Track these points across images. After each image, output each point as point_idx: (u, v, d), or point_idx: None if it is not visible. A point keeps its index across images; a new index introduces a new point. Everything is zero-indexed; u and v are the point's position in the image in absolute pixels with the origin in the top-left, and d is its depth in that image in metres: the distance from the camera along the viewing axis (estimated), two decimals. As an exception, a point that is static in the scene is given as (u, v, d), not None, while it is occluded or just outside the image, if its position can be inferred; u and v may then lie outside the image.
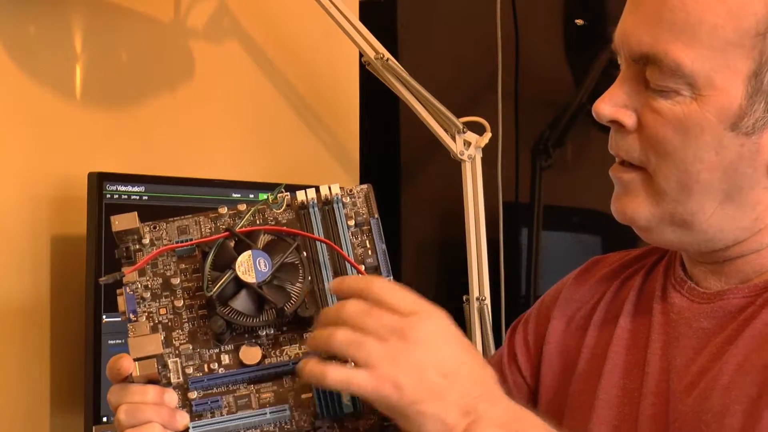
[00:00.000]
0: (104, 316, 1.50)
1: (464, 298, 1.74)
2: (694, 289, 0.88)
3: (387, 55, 1.72)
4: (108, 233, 1.49)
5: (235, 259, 0.81)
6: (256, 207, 0.85)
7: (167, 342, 0.82)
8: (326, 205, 0.86)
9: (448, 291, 1.99)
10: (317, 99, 2.06)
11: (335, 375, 0.74)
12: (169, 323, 0.82)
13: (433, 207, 2.11)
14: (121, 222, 0.84)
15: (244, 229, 0.83)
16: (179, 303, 0.82)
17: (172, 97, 1.80)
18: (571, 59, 1.91)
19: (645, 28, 0.81)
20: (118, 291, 0.83)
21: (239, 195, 1.67)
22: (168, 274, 0.83)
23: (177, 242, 0.84)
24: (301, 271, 0.82)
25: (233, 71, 1.91)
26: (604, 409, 0.88)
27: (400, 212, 2.15)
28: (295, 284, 0.82)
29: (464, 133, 1.73)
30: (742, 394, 0.79)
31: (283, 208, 0.86)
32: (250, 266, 0.80)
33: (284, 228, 0.84)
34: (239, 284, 0.81)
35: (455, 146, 1.73)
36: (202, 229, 0.85)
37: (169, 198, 1.58)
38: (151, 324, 0.82)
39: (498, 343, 1.75)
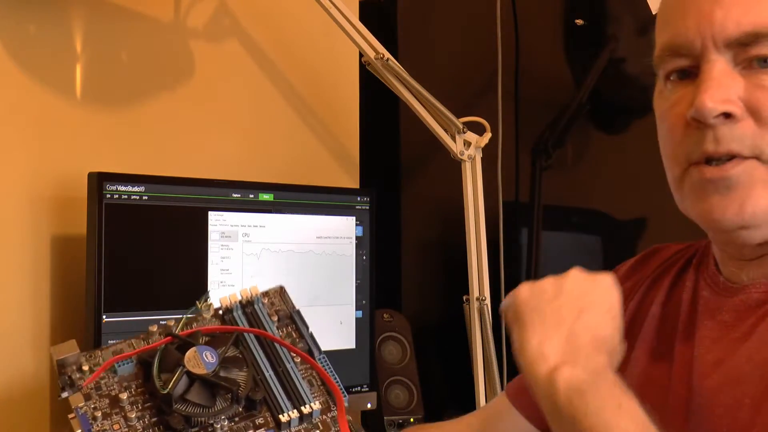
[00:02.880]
0: (104, 316, 1.50)
1: (464, 298, 1.74)
2: (720, 283, 0.88)
3: (387, 55, 1.72)
4: (108, 233, 1.50)
5: (182, 358, 0.86)
6: (186, 315, 0.92)
7: None
8: (248, 306, 0.92)
9: (448, 291, 1.99)
10: (317, 99, 2.06)
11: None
12: None
13: (433, 207, 2.11)
14: (61, 350, 0.90)
15: (183, 332, 0.89)
16: (131, 414, 0.86)
17: (172, 97, 1.80)
18: (571, 59, 1.91)
19: (741, 9, 0.79)
20: (69, 415, 0.87)
21: (239, 195, 1.67)
22: (113, 393, 0.87)
23: (119, 364, 0.90)
24: (244, 360, 0.88)
25: (233, 71, 1.91)
26: (634, 394, 0.89)
27: (400, 212, 2.15)
28: (241, 372, 0.87)
29: (464, 133, 1.73)
30: (752, 387, 0.79)
31: (211, 314, 0.92)
32: (198, 360, 0.86)
33: (220, 327, 0.91)
34: (191, 378, 0.85)
35: (455, 146, 1.73)
36: (136, 347, 0.91)
37: (169, 198, 1.58)
38: None
39: (498, 343, 1.75)
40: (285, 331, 0.92)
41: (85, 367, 0.89)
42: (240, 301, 0.93)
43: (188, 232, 1.60)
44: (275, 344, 0.90)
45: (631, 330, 0.93)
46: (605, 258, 1.80)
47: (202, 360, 0.85)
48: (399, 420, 1.80)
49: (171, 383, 0.84)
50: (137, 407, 0.86)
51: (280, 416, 0.86)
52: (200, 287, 1.60)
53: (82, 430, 0.84)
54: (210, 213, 1.62)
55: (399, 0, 2.18)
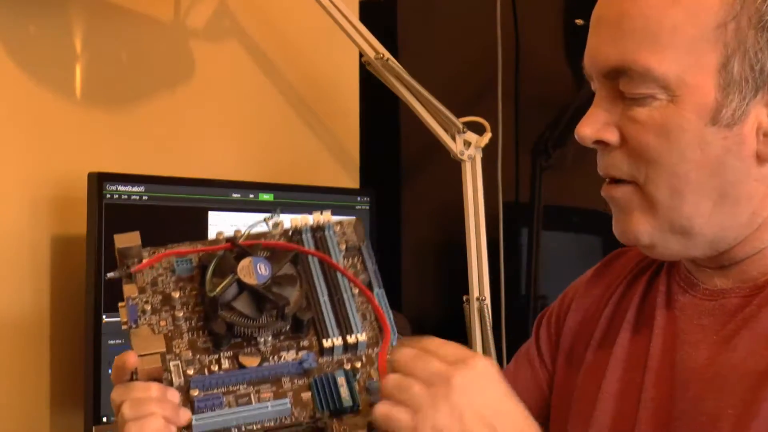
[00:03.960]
0: (104, 316, 1.50)
1: (464, 298, 1.74)
2: (697, 287, 0.88)
3: (387, 55, 1.72)
4: (108, 233, 1.50)
5: (236, 265, 0.84)
6: (252, 225, 0.89)
7: (168, 350, 0.84)
8: (318, 231, 0.90)
9: (448, 291, 1.99)
10: (317, 99, 2.06)
11: (381, 408, 0.76)
12: (170, 333, 0.85)
13: (433, 207, 2.11)
14: (125, 240, 0.87)
15: (244, 242, 0.87)
16: (179, 314, 0.85)
17: (172, 97, 1.80)
18: (571, 59, 1.91)
19: (609, 43, 0.82)
20: (120, 304, 0.85)
21: (239, 195, 1.67)
22: (167, 291, 0.86)
23: (178, 264, 0.88)
24: (298, 280, 0.86)
25: (233, 71, 1.91)
26: (606, 401, 0.89)
27: (400, 212, 2.15)
28: (293, 291, 0.85)
29: (464, 133, 1.73)
30: (735, 397, 0.79)
31: (279, 231, 0.90)
32: (250, 270, 0.84)
33: (281, 243, 0.88)
34: (241, 287, 0.84)
35: (455, 146, 1.73)
36: (200, 255, 0.89)
37: (169, 198, 1.58)
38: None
39: (498, 343, 1.76)
40: (350, 261, 0.90)
41: (146, 260, 0.88)
42: (311, 225, 0.90)
43: (188, 232, 1.60)
44: (336, 272, 0.88)
45: (607, 335, 0.94)
46: (605, 258, 1.80)
47: (255, 270, 0.84)
48: (399, 420, 1.80)
49: (219, 288, 0.83)
50: (187, 308, 0.85)
51: (324, 341, 0.84)
52: (200, 287, 1.60)
53: (129, 321, 0.84)
54: (210, 213, 1.62)
55: (399, 0, 2.18)
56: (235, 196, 1.66)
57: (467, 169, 1.73)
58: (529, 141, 1.92)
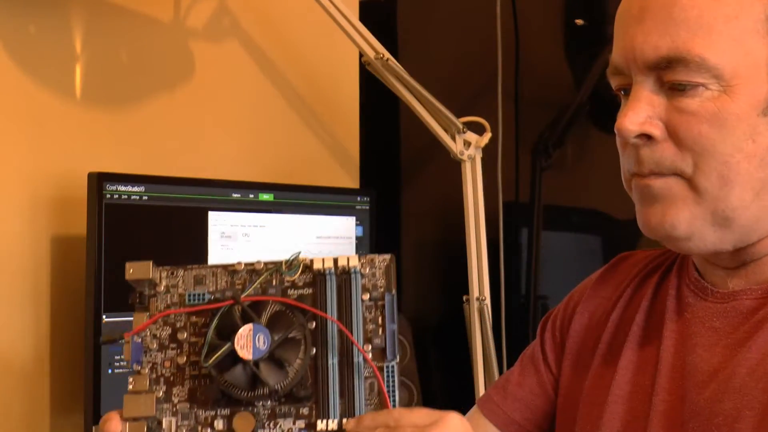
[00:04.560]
0: (104, 316, 1.50)
1: (464, 298, 1.74)
2: (707, 289, 0.88)
3: (387, 55, 1.72)
4: (108, 233, 1.50)
5: (237, 329, 0.81)
6: (270, 270, 0.85)
7: (167, 396, 0.82)
8: (344, 274, 0.85)
9: (448, 291, 1.99)
10: (317, 99, 2.06)
11: None
12: (172, 377, 0.83)
13: (433, 207, 2.11)
14: (136, 270, 0.85)
15: (250, 297, 0.83)
16: (182, 360, 0.83)
17: (172, 97, 1.80)
18: (571, 59, 1.91)
19: (659, 33, 0.81)
20: (125, 337, 0.83)
21: (239, 195, 1.67)
22: (178, 325, 0.84)
23: (190, 298, 0.85)
24: (303, 347, 0.82)
25: (233, 71, 1.91)
26: (616, 404, 0.89)
27: (400, 212, 2.15)
28: (294, 362, 0.82)
29: (464, 133, 1.73)
30: (754, 399, 0.79)
31: (299, 273, 0.85)
32: (249, 341, 0.81)
33: (292, 301, 0.84)
34: (236, 358, 0.81)
35: (455, 146, 1.73)
36: (218, 282, 0.85)
37: (169, 198, 1.58)
38: (154, 376, 0.83)
39: (498, 343, 1.75)
40: (371, 315, 0.84)
41: (161, 287, 0.85)
42: (335, 269, 0.85)
43: (188, 232, 1.60)
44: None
45: (615, 339, 0.94)
46: (605, 258, 1.80)
47: (253, 342, 0.80)
48: (399, 420, 1.80)
49: (213, 358, 0.80)
50: (194, 350, 0.83)
51: (319, 422, 0.81)
52: (200, 287, 1.60)
53: (131, 361, 0.82)
54: (210, 213, 1.62)
55: (399, 0, 2.18)
56: (235, 196, 1.66)
57: (467, 169, 1.73)
58: (529, 141, 1.92)
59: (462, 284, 1.74)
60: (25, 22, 1.58)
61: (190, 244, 1.59)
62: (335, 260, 0.85)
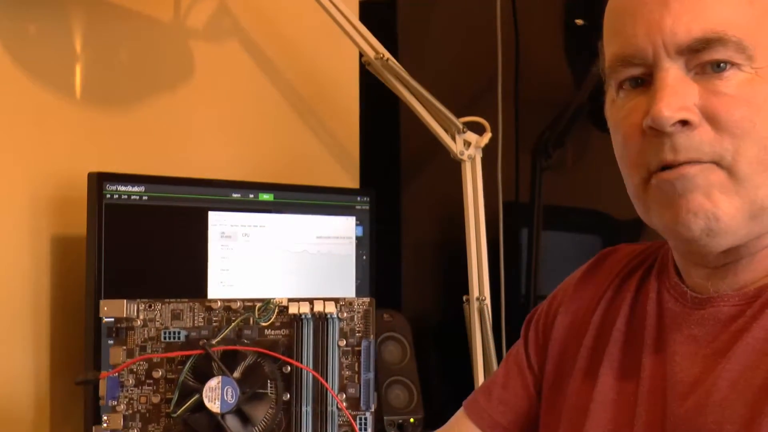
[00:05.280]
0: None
1: (464, 298, 1.74)
2: (686, 294, 0.87)
3: (387, 55, 1.72)
4: (108, 233, 1.50)
5: (211, 375, 0.82)
6: (243, 317, 0.86)
7: None
8: (320, 319, 0.86)
9: (448, 291, 1.99)
10: (317, 99, 2.06)
11: None
12: (147, 414, 0.84)
13: (433, 207, 2.11)
14: (110, 309, 0.87)
15: (221, 347, 0.84)
16: (156, 399, 0.84)
17: (172, 97, 1.80)
18: (571, 59, 1.91)
19: (690, 15, 0.79)
20: (102, 373, 0.85)
21: (239, 195, 1.67)
22: (155, 360, 0.85)
23: (165, 336, 0.86)
24: (271, 400, 0.83)
25: (233, 71, 1.91)
26: (600, 411, 0.88)
27: (400, 212, 2.15)
28: (260, 418, 0.82)
29: (464, 133, 1.73)
30: (735, 414, 0.78)
31: (274, 315, 0.86)
32: (217, 394, 0.81)
33: (265, 350, 0.84)
34: (203, 408, 0.82)
35: (455, 146, 1.73)
36: (195, 318, 0.87)
37: (169, 198, 1.58)
38: (130, 412, 0.83)
39: (498, 343, 1.75)
40: (347, 361, 0.85)
41: (138, 322, 0.86)
42: (313, 312, 0.86)
43: (188, 232, 1.60)
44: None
45: (596, 345, 0.92)
46: (605, 258, 1.80)
47: (221, 395, 0.80)
48: (399, 420, 1.80)
49: (182, 410, 0.81)
50: (168, 389, 0.84)
51: None
52: (200, 287, 1.60)
53: (106, 397, 0.83)
54: (210, 213, 1.62)
55: (399, 0, 2.18)
56: (235, 196, 1.66)
57: (467, 169, 1.73)
58: (529, 141, 1.92)
59: (462, 284, 1.74)
60: (25, 23, 1.58)
61: (190, 244, 1.59)
62: (312, 304, 0.85)
